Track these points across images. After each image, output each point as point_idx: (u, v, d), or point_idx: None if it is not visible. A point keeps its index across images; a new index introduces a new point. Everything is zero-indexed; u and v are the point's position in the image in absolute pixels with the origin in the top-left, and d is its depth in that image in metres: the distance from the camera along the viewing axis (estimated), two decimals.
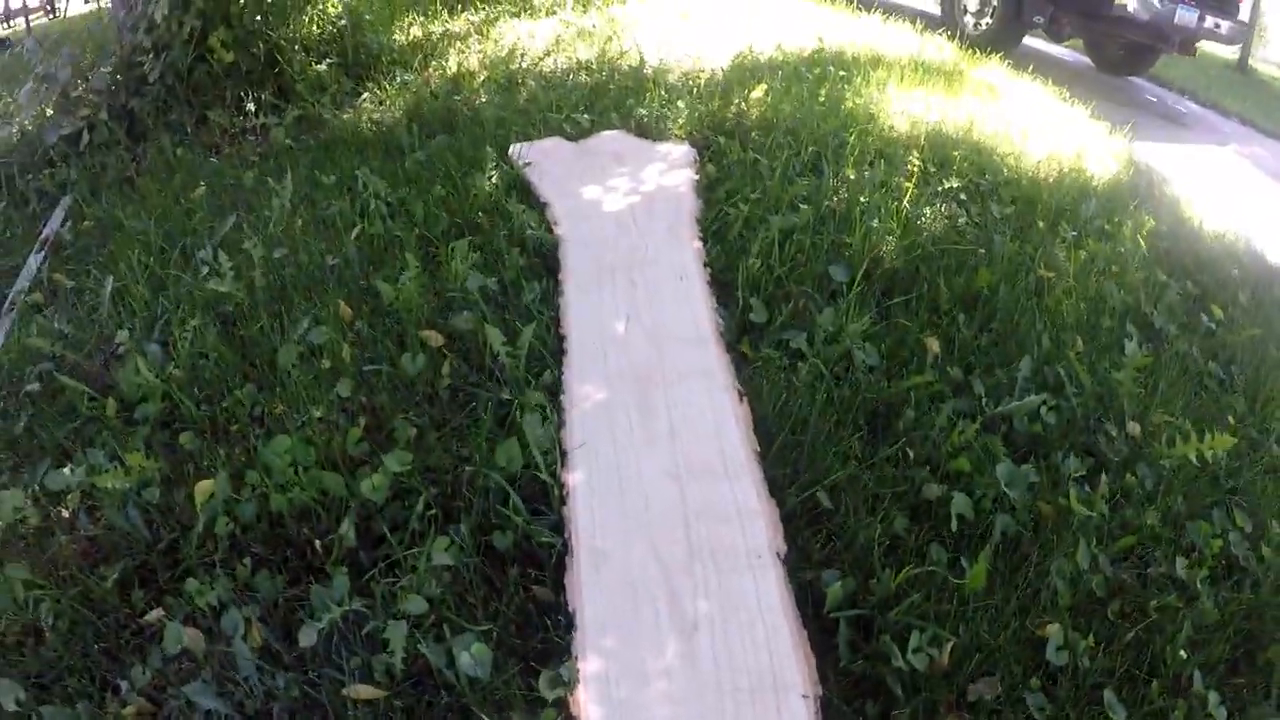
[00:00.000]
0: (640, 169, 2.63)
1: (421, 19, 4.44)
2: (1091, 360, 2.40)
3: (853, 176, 2.99)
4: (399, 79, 3.51)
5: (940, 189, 3.06)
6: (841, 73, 4.09)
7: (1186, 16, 5.48)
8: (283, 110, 3.34)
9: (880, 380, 2.01)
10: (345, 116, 3.31)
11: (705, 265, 2.16)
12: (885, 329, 2.20)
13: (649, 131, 3.05)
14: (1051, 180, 3.51)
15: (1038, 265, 2.67)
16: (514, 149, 2.79)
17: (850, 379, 2.01)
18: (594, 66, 3.75)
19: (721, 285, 2.19)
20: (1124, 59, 6.94)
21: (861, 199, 2.77)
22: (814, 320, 2.11)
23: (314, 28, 3.90)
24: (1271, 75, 11.59)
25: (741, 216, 2.42)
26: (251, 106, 3.33)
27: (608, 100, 3.30)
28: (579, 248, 2.14)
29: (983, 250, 2.61)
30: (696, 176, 2.64)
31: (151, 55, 3.37)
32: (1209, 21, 5.65)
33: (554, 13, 4.61)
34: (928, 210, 2.87)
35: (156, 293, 2.18)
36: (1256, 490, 2.21)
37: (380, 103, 3.43)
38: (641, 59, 3.86)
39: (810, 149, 3.09)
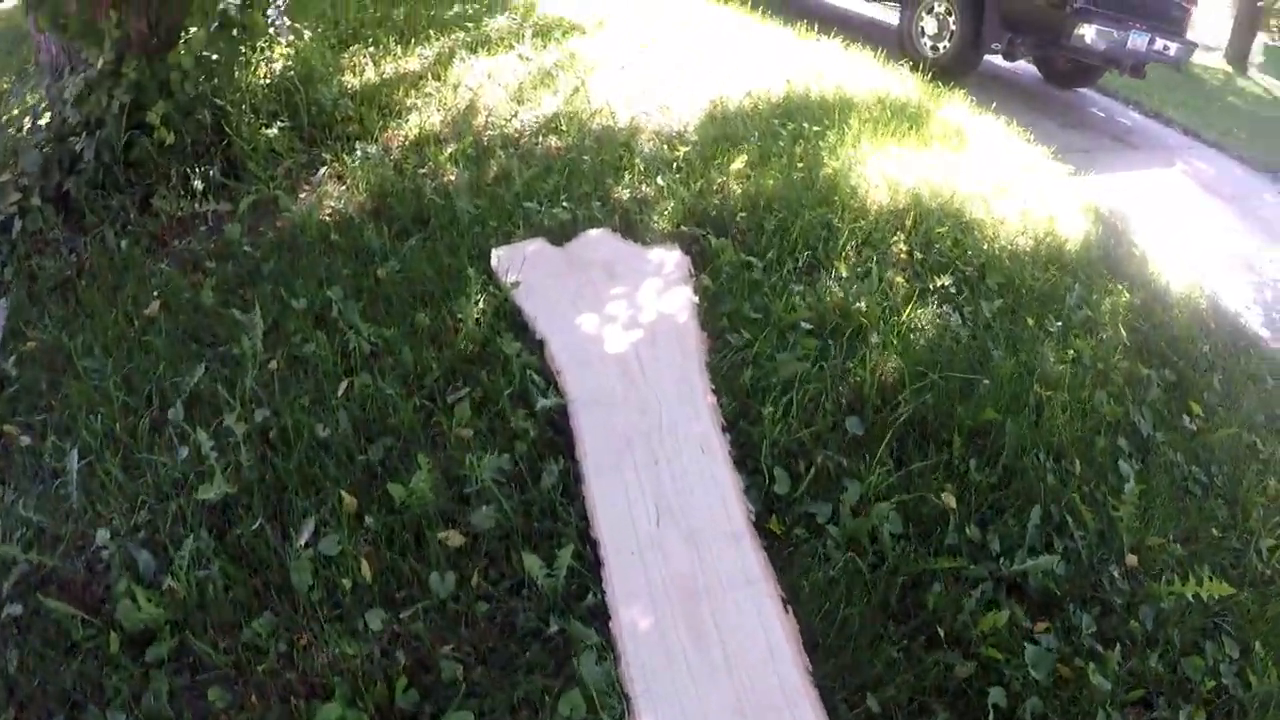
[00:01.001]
0: (636, 287, 2.60)
1: (371, 51, 4.25)
2: (1090, 490, 2.51)
3: (845, 274, 3.02)
4: (358, 151, 3.37)
5: (932, 286, 3.12)
6: (815, 128, 4.09)
7: (1138, 41, 5.71)
8: (234, 192, 3.18)
9: (908, 552, 2.06)
10: (303, 198, 3.17)
11: (724, 430, 2.15)
12: (902, 481, 2.25)
13: (634, 227, 3.00)
14: (1030, 256, 3.62)
15: (1035, 381, 2.76)
16: (496, 256, 2.72)
17: (876, 549, 2.06)
18: (563, 126, 3.66)
19: (738, 445, 2.19)
20: (1071, 74, 7.18)
21: (859, 306, 2.81)
22: (837, 486, 2.15)
23: (260, 79, 3.70)
24: (1205, 67, 12.10)
25: (749, 357, 2.42)
26: (199, 185, 3.16)
27: (585, 181, 3.23)
28: (589, 411, 2.11)
29: (981, 373, 2.67)
30: (695, 296, 2.62)
31: (84, 132, 3.15)
32: (1159, 44, 5.90)
33: (511, 46, 4.48)
34: (922, 314, 2.92)
35: (130, 473, 2.06)
36: (1242, 610, 2.35)
37: (339, 178, 3.28)
38: (613, 116, 3.80)
39: (801, 244, 3.10)
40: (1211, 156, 7.32)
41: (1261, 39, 15.21)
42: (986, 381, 2.60)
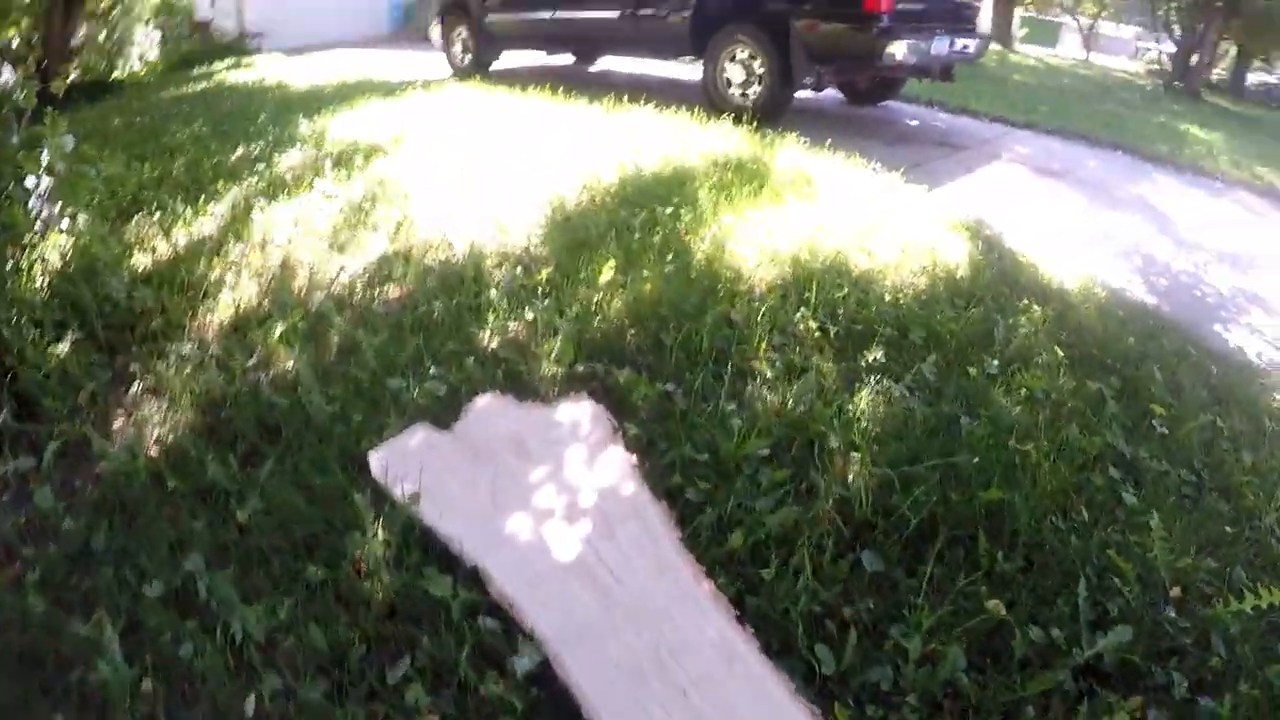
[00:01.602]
0: (559, 464, 2.36)
1: (157, 218, 3.88)
2: (1111, 536, 2.49)
3: (771, 375, 2.93)
4: (170, 352, 2.96)
5: (863, 363, 3.08)
6: (666, 210, 4.06)
7: (941, 46, 6.12)
8: (34, 438, 2.70)
9: (991, 687, 1.93)
10: (118, 430, 2.74)
11: (739, 621, 1.96)
12: (945, 605, 2.12)
13: (524, 382, 2.77)
14: (933, 296, 3.68)
15: (1013, 439, 2.74)
16: (375, 461, 2.41)
17: (957, 697, 1.92)
18: (397, 270, 3.42)
19: (758, 631, 2.00)
20: (874, 91, 7.66)
21: (802, 410, 2.71)
22: (884, 638, 2.00)
23: (36, 284, 3.23)
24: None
25: (725, 514, 2.25)
26: None
27: (446, 336, 2.98)
28: (574, 652, 1.83)
29: (959, 448, 2.62)
30: (628, 454, 2.43)
31: None
32: (959, 45, 6.36)
33: (312, 184, 4.21)
34: (869, 400, 2.86)
35: None
36: None
37: (155, 392, 2.87)
38: (449, 247, 3.60)
39: (709, 353, 2.99)
40: (1028, 138, 7.91)
41: (1018, 13, 17.08)
42: (975, 459, 2.55)
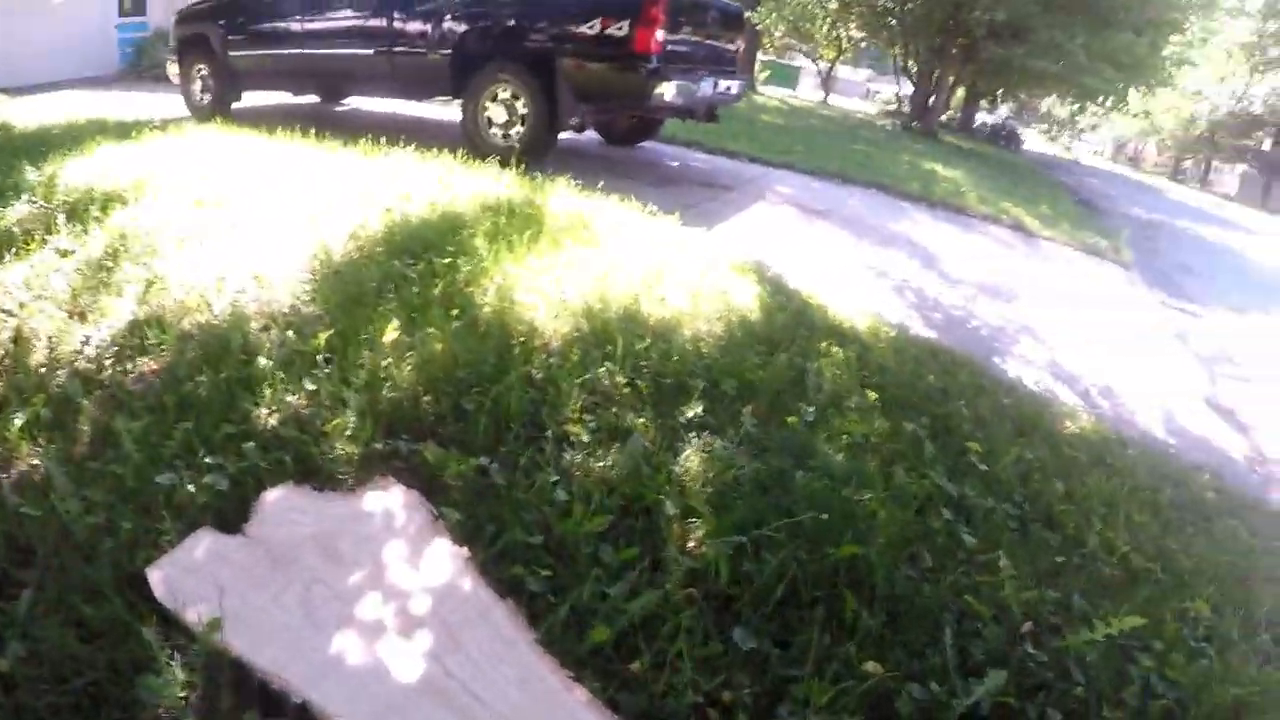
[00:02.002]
0: (379, 565, 2.09)
1: None
2: (959, 579, 2.57)
3: (587, 439, 2.83)
4: None
5: (683, 419, 3.04)
6: (443, 259, 3.88)
7: (706, 88, 6.38)
8: None
9: None
10: None
11: None
12: (823, 673, 2.08)
13: (318, 468, 2.50)
14: (736, 343, 3.73)
15: (847, 489, 2.78)
16: (159, 582, 2.03)
17: None
18: (150, 338, 3.01)
19: None
20: (633, 131, 7.87)
21: (628, 478, 2.62)
22: None
23: None
24: None
25: (579, 605, 2.10)
26: None
27: (217, 417, 2.65)
28: None
29: (796, 503, 2.62)
30: (458, 547, 2.23)
31: None
32: (722, 86, 6.66)
33: (44, 240, 3.64)
34: (691, 457, 2.82)
35: None
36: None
37: None
38: (208, 307, 3.24)
39: (518, 417, 2.85)
40: (788, 177, 8.37)
41: (759, 56, 18.28)
42: (819, 514, 2.55)
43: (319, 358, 2.89)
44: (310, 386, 2.74)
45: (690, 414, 3.05)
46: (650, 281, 4.03)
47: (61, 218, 3.60)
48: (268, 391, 2.69)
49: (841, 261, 5.86)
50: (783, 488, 2.73)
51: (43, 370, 2.72)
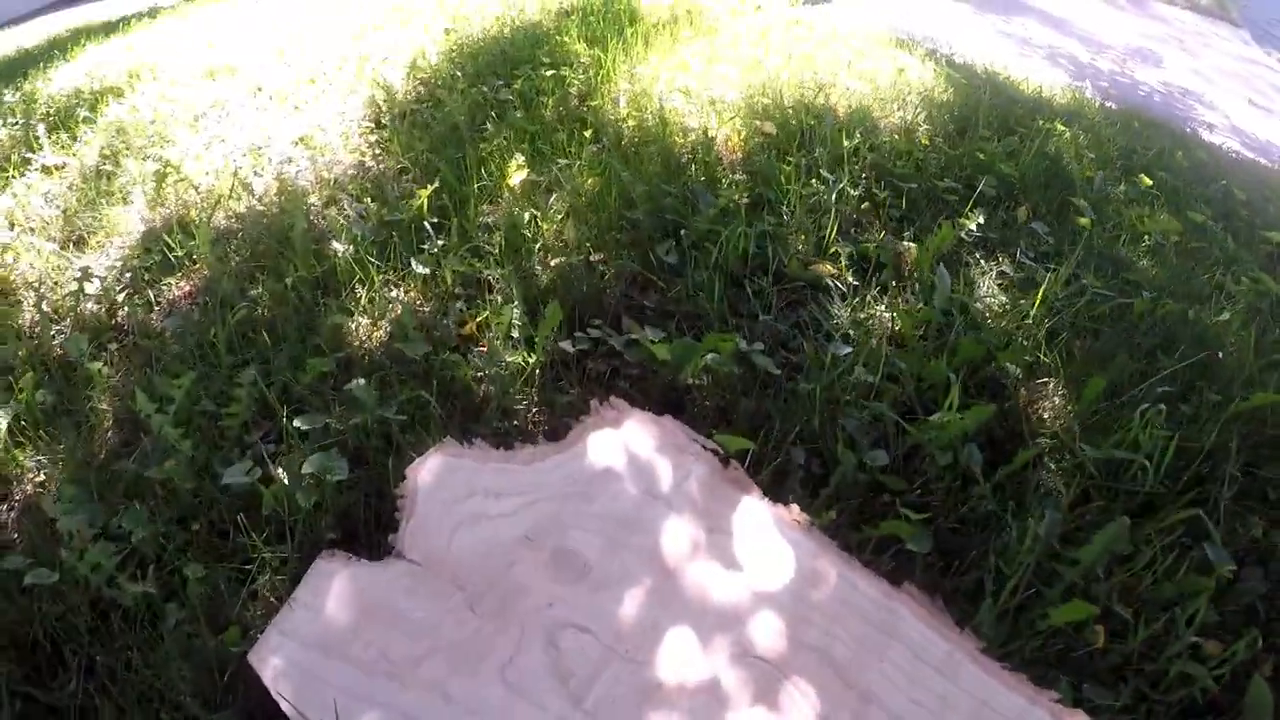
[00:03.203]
0: (693, 604, 1.18)
1: None
2: None
3: (854, 282, 1.82)
4: None
5: (967, 236, 2.01)
6: (544, 71, 2.79)
7: None
8: None
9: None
10: None
11: None
12: None
13: (474, 400, 1.51)
14: (938, 131, 2.68)
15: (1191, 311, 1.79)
16: (274, 677, 1.14)
17: None
18: (175, 247, 1.98)
19: None
20: None
21: (975, 345, 1.63)
22: None
23: None
24: None
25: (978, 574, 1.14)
26: None
27: (294, 342, 1.64)
28: None
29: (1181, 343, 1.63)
30: (784, 508, 1.28)
31: None
32: None
33: (25, 163, 2.62)
34: (1001, 295, 1.82)
35: None
36: None
37: None
38: (247, 190, 2.21)
39: (740, 264, 1.84)
40: None
41: None
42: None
43: (426, 225, 1.86)
44: (422, 269, 1.73)
45: (972, 226, 2.02)
46: (808, 67, 2.95)
47: (43, 129, 2.56)
48: (361, 291, 1.69)
49: (978, 32, 4.78)
50: (1128, 319, 1.75)
51: (35, 332, 1.73)
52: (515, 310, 1.52)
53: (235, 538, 1.25)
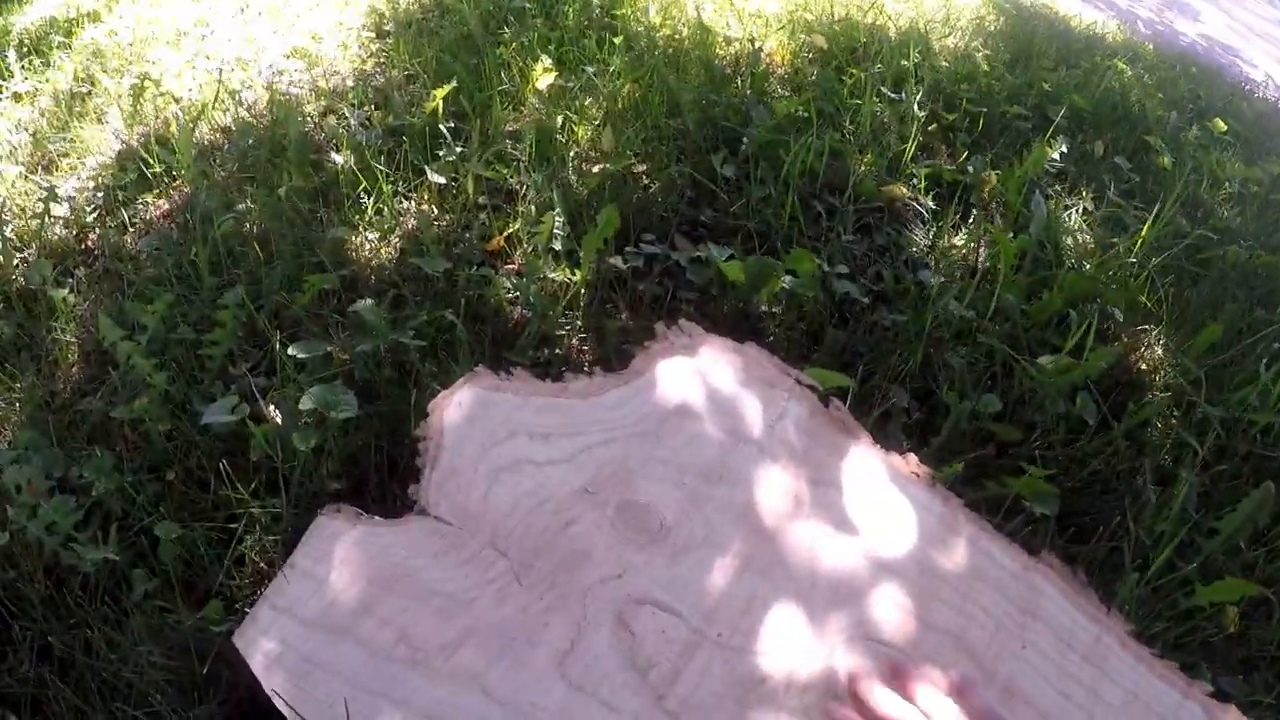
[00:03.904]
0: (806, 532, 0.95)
1: None
2: None
3: (934, 207, 1.56)
4: None
5: (1048, 168, 1.76)
6: None
7: None
8: None
9: None
10: None
11: None
12: None
13: (506, 323, 1.26)
14: (995, 56, 2.43)
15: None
16: (263, 666, 0.89)
17: None
18: (153, 163, 1.71)
19: None
20: None
21: (1080, 282, 1.38)
22: None
23: None
24: None
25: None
26: None
27: (289, 261, 1.39)
28: None
29: None
30: (899, 457, 1.05)
31: None
32: None
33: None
34: (1092, 233, 1.57)
35: None
36: None
37: None
38: (233, 99, 1.94)
39: (806, 183, 1.59)
40: None
41: None
42: None
43: (443, 128, 1.60)
44: (438, 178, 1.47)
45: (1056, 155, 1.78)
46: None
47: (14, 55, 2.30)
48: (367, 202, 1.43)
49: None
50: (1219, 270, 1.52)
51: None
52: (558, 218, 1.26)
53: (217, 489, 1.01)
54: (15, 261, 1.50)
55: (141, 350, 1.14)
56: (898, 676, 0.76)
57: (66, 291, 1.36)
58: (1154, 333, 1.41)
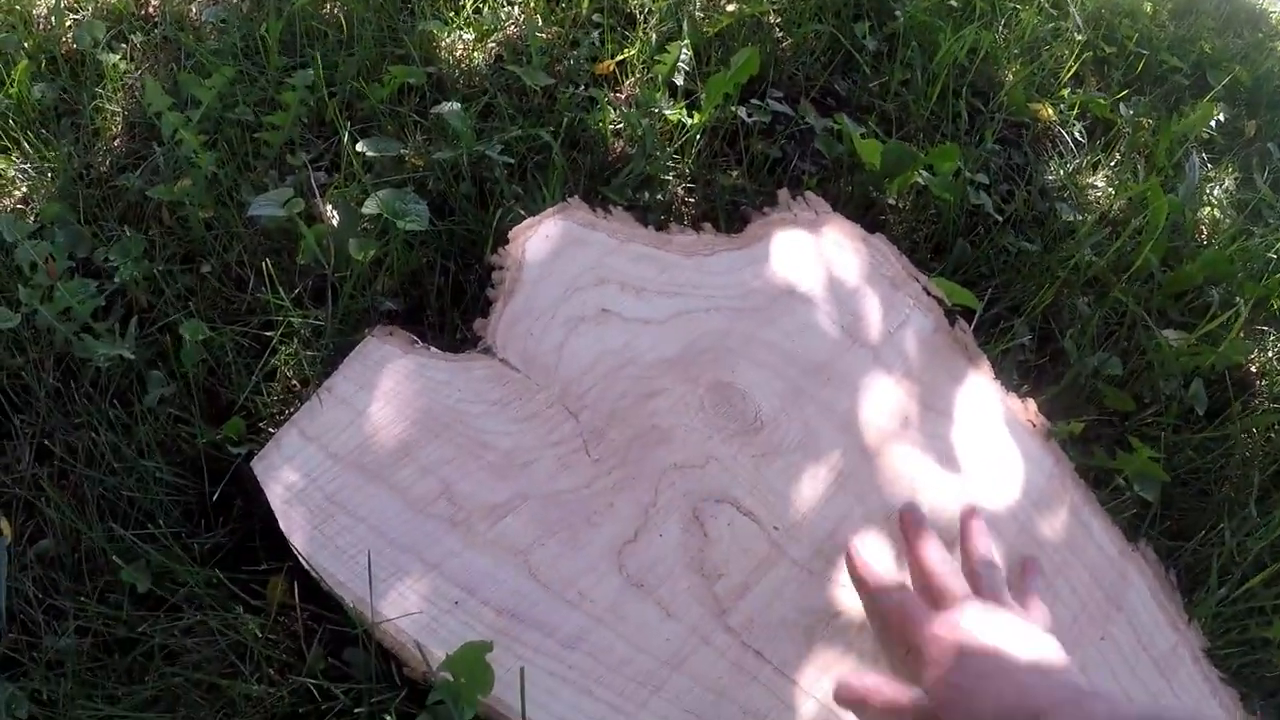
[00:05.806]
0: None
1: None
2: None
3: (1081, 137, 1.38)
4: None
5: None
6: None
7: None
8: None
9: None
10: None
11: None
12: None
13: (589, 130, 1.14)
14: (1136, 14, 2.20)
15: None
16: (294, 527, 0.80)
17: None
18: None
19: None
20: None
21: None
22: None
23: None
24: None
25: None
26: None
27: (370, 36, 1.29)
28: None
29: None
30: (1016, 401, 0.93)
31: None
32: None
33: None
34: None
35: None
36: None
37: None
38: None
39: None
40: None
41: None
42: None
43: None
44: None
45: (1219, 118, 1.59)
46: None
47: None
48: None
49: None
50: None
51: (51, 22, 1.37)
52: (685, 51, 1.11)
53: (256, 290, 0.90)
54: (68, 22, 1.39)
55: (191, 126, 1.02)
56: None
57: (119, 58, 1.25)
58: (1270, 337, 1.26)
